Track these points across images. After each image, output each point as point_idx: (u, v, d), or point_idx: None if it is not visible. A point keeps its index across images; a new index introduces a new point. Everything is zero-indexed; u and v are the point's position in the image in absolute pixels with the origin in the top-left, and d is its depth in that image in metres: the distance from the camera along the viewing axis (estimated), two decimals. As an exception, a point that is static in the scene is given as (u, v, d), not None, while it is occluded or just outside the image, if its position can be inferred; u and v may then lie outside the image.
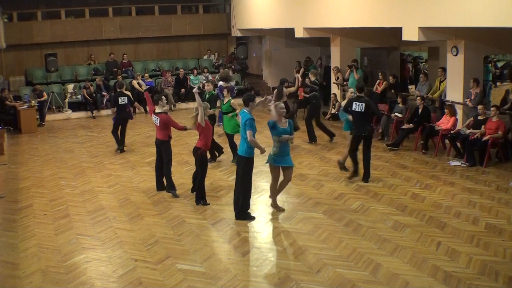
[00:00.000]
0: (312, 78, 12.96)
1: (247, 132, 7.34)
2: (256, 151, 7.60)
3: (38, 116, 15.76)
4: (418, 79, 14.48)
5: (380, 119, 12.49)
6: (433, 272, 5.95)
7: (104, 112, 16.94)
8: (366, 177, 9.35)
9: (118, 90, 12.28)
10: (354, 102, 9.22)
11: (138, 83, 17.30)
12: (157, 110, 8.87)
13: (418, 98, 11.80)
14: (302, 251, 6.63)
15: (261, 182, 9.50)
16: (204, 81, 12.38)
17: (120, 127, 12.17)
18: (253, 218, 7.73)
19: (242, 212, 7.72)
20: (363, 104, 9.09)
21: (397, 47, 16.06)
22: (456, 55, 11.24)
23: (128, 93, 12.71)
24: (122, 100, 11.99)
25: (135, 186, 9.59)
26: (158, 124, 8.82)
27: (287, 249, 6.73)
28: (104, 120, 16.20)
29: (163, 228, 7.51)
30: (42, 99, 15.97)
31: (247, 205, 7.79)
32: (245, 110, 7.60)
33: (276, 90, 11.54)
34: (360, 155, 9.39)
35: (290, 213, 7.99)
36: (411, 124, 11.56)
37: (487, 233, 6.99)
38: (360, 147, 9.31)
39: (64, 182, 9.98)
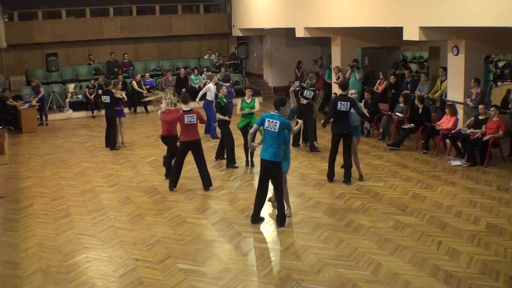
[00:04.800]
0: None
1: None
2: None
3: (38, 116, 15.70)
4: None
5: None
6: (434, 271, 5.95)
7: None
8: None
9: (105, 89, 12.24)
10: (339, 102, 8.94)
11: (138, 83, 17.34)
12: (186, 108, 8.77)
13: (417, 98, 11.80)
14: (303, 250, 6.62)
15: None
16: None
17: (107, 127, 12.16)
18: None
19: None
20: (348, 104, 8.87)
21: (398, 46, 16.04)
22: (457, 54, 11.22)
23: (118, 92, 12.27)
24: (105, 99, 11.99)
25: (136, 185, 9.59)
26: (195, 122, 8.68)
27: (288, 249, 6.72)
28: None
29: (164, 228, 7.51)
30: (40, 95, 15.71)
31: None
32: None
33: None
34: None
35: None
36: (411, 124, 11.56)
37: (488, 233, 6.99)
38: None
39: (64, 182, 9.98)
